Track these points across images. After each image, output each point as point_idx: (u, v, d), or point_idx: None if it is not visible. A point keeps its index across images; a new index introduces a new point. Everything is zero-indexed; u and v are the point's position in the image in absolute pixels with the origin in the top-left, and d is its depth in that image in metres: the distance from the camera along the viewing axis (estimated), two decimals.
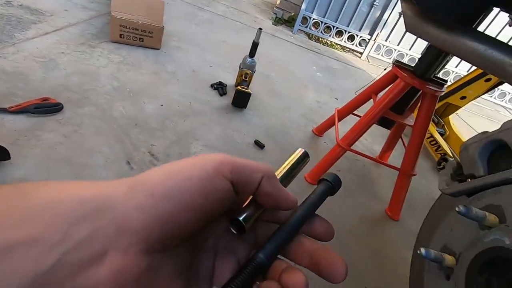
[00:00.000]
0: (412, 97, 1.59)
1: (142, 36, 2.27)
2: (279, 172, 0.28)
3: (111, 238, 0.19)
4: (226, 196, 0.23)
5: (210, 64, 2.53)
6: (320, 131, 2.18)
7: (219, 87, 2.22)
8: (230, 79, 2.39)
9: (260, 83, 2.53)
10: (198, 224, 0.22)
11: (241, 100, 2.06)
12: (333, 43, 4.51)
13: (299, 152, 0.31)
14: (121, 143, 1.47)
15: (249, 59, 2.16)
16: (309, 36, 4.49)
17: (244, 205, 0.26)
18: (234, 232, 0.26)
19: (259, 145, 1.84)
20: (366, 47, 4.44)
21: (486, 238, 0.47)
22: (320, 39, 4.50)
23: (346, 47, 4.59)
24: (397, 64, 1.56)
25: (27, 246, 0.16)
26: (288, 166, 0.29)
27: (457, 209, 0.48)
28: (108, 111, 1.62)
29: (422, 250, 0.52)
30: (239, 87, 2.03)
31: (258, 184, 0.24)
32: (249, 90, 2.04)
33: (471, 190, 0.57)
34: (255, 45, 2.10)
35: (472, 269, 0.48)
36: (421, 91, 1.51)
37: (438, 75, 1.53)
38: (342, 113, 1.96)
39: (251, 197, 0.26)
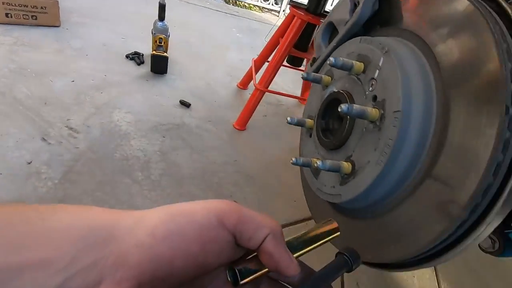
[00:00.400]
0: (311, 33, 1.77)
1: (35, 13, 2.06)
2: (298, 236, 0.27)
3: (109, 268, 0.20)
4: (225, 248, 0.23)
5: (122, 36, 2.42)
6: (244, 84, 2.29)
7: (135, 57, 2.16)
8: (146, 49, 2.32)
9: (180, 49, 2.51)
10: (193, 272, 0.22)
11: (159, 65, 2.04)
12: (251, 5, 4.56)
13: (329, 223, 0.28)
14: (32, 122, 1.40)
15: (159, 23, 2.12)
16: (226, 0, 4.46)
17: (248, 257, 0.25)
18: (229, 280, 0.25)
19: (184, 104, 1.88)
20: (281, 4, 4.59)
21: (325, 94, 0.64)
22: (237, 2, 4.50)
23: (264, 8, 4.69)
24: (293, 4, 1.70)
25: (37, 268, 0.18)
26: (309, 234, 0.27)
27: (301, 76, 0.62)
28: (9, 94, 1.50)
29: (288, 119, 0.67)
30: (154, 52, 2.01)
31: (262, 241, 0.23)
32: (165, 54, 2.03)
33: (318, 67, 0.73)
34: (162, 7, 2.06)
35: (318, 118, 0.65)
36: (317, 25, 1.68)
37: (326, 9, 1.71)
38: (259, 62, 2.08)
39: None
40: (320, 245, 0.28)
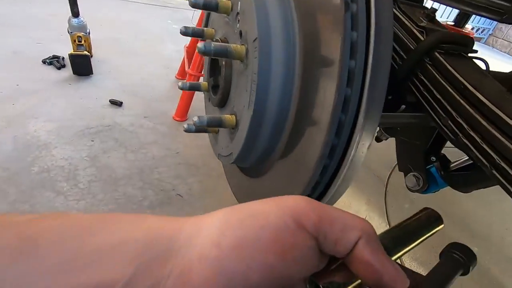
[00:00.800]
0: None
1: None
2: (389, 233, 0.21)
3: None
4: (307, 255, 0.18)
5: (37, 41, 2.18)
6: (181, 74, 2.18)
7: (54, 61, 1.95)
8: (67, 51, 2.11)
9: (108, 47, 2.32)
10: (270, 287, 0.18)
11: (81, 66, 1.86)
12: None
13: (427, 213, 0.22)
14: None
15: (74, 20, 1.92)
16: None
17: (332, 267, 0.20)
18: None
19: (115, 103, 1.74)
20: None
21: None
22: None
23: None
24: None
25: None
26: (405, 229, 0.21)
27: (180, 31, 0.54)
28: None
29: (180, 84, 0.59)
30: (71, 52, 1.82)
31: (353, 246, 0.19)
32: (85, 53, 1.85)
33: (205, 22, 0.67)
34: (72, 1, 1.86)
35: (208, 77, 0.59)
36: None
37: None
38: (191, 48, 1.98)
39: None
40: (421, 242, 0.22)
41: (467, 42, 0.53)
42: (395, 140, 0.86)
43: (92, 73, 1.94)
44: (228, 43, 0.48)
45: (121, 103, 1.75)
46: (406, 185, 0.80)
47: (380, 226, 1.41)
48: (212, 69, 0.57)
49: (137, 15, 3.28)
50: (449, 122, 0.47)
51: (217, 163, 1.50)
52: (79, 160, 1.34)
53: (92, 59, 1.99)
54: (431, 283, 0.20)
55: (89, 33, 2.02)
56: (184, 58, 1.94)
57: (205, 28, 0.57)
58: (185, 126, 0.54)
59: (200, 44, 0.40)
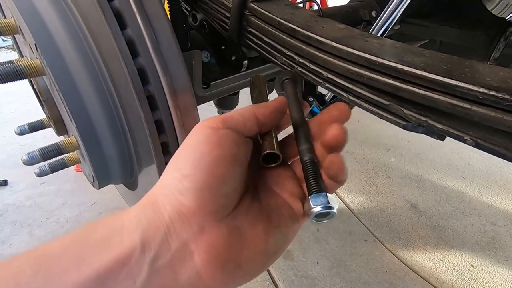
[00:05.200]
0: None
1: None
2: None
3: (183, 232, 0.21)
4: (235, 139, 0.24)
5: None
6: None
7: None
8: None
9: None
10: (234, 172, 0.23)
11: None
12: None
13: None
14: None
15: None
16: (14, 48, 3.70)
17: (263, 143, 0.27)
18: (271, 165, 0.28)
19: None
20: None
21: None
22: None
23: None
24: None
25: (122, 265, 0.20)
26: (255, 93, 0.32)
27: None
28: None
29: (16, 130, 0.51)
30: None
31: (256, 119, 0.26)
32: None
33: None
34: None
35: None
36: None
37: None
38: None
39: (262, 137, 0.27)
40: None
41: None
42: None
43: None
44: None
45: (5, 181, 1.49)
46: None
47: None
48: (38, 98, 0.51)
49: None
50: (284, 58, 0.51)
51: None
52: None
53: None
54: (292, 103, 0.31)
55: None
56: None
57: (15, 59, 0.49)
58: (36, 171, 0.47)
59: None
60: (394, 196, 1.40)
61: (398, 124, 0.39)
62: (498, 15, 1.46)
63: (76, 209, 1.34)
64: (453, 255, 1.15)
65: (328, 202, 0.23)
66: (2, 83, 0.34)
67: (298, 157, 0.27)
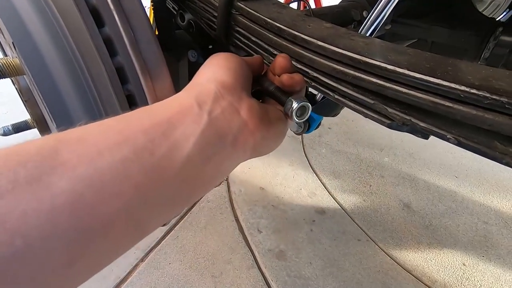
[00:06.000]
0: None
1: None
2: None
3: (228, 97, 0.28)
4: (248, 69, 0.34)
5: None
6: None
7: None
8: None
9: None
10: (247, 77, 0.33)
11: None
12: None
13: None
14: None
15: None
16: None
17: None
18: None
19: None
20: None
21: None
22: None
23: None
24: None
25: (185, 115, 0.25)
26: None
27: None
28: None
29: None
30: None
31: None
32: None
33: None
34: None
35: None
36: None
37: None
38: None
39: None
40: None
41: None
42: None
43: None
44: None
45: None
46: (293, 131, 0.84)
47: (308, 178, 1.51)
48: (21, 98, 0.50)
49: None
50: (271, 58, 0.50)
51: None
52: None
53: None
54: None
55: None
56: None
57: None
58: None
59: None
60: (387, 196, 1.41)
61: (383, 123, 0.39)
62: (489, 16, 1.47)
63: None
64: (445, 254, 1.16)
65: (302, 99, 0.32)
66: None
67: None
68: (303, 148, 1.74)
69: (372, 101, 0.39)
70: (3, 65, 0.34)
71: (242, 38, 0.54)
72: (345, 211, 1.33)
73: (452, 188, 1.46)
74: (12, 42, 0.32)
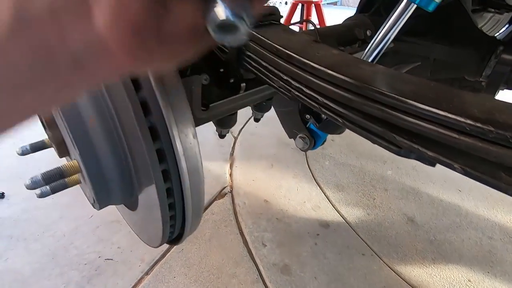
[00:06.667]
0: None
1: None
2: None
3: None
4: None
5: None
6: None
7: None
8: None
9: None
10: None
11: None
12: None
13: None
14: None
15: None
16: None
17: None
18: None
19: None
20: None
21: None
22: None
23: None
24: None
25: None
26: None
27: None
28: None
29: (18, 151, 0.52)
30: None
31: None
32: None
33: None
34: None
35: None
36: None
37: None
38: None
39: None
40: None
41: (273, 11, 0.59)
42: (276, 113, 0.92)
43: None
44: None
45: (2, 193, 1.48)
46: (299, 148, 0.86)
47: (312, 191, 1.52)
48: (41, 120, 0.52)
49: None
50: (280, 82, 0.52)
51: None
52: None
53: None
54: None
55: None
56: None
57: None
58: (37, 192, 0.48)
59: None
60: (391, 210, 1.41)
61: (391, 150, 0.41)
62: (489, 32, 1.50)
63: (73, 223, 1.33)
64: (450, 269, 1.15)
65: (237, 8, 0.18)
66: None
67: None
68: (307, 161, 1.75)
69: (380, 129, 0.41)
70: None
71: (252, 63, 0.56)
72: (349, 225, 1.33)
73: (456, 202, 1.46)
74: None
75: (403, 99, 0.37)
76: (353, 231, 1.30)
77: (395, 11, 0.63)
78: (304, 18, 2.69)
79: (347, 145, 1.88)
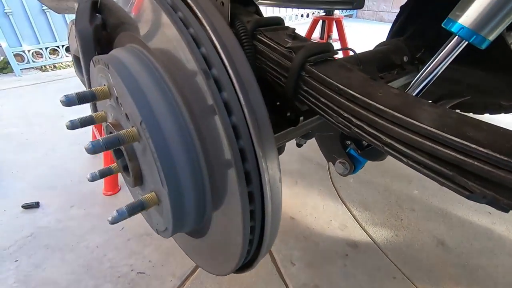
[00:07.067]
0: None
1: None
2: None
3: None
4: None
5: None
6: None
7: None
8: None
9: (0, 147, 2.03)
10: None
11: None
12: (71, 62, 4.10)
13: None
14: None
15: None
16: (42, 68, 3.90)
17: None
18: None
19: (30, 206, 1.52)
20: None
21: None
22: (56, 65, 3.99)
23: None
24: None
25: None
26: None
27: (66, 127, 0.51)
28: None
29: (89, 177, 0.55)
30: None
31: None
32: None
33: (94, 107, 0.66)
34: None
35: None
36: None
37: None
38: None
39: None
40: None
41: (328, 48, 0.62)
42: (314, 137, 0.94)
43: None
44: (121, 126, 0.47)
45: (38, 203, 1.54)
46: (338, 173, 0.87)
47: (338, 209, 1.51)
48: (115, 150, 0.55)
49: (21, 101, 2.95)
50: (340, 119, 0.54)
51: None
52: None
53: None
54: None
55: None
56: (92, 128, 1.81)
57: (94, 114, 0.55)
58: (109, 219, 0.51)
59: (87, 145, 0.38)
60: (420, 231, 1.39)
61: (461, 194, 0.42)
62: None
63: (105, 235, 1.37)
64: None
65: None
66: (106, 150, 0.39)
67: None
68: (331, 178, 1.75)
69: (450, 173, 0.42)
70: (124, 135, 0.40)
71: (310, 98, 0.59)
72: (377, 246, 1.32)
73: (487, 226, 1.43)
74: (140, 121, 0.37)
75: (478, 148, 0.38)
76: (382, 253, 1.29)
77: (445, 47, 0.65)
78: (325, 33, 2.72)
79: (371, 162, 1.87)
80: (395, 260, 1.25)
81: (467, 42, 0.61)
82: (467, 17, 0.56)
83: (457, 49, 0.64)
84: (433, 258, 1.27)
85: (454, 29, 0.58)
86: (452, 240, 1.35)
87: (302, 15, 6.34)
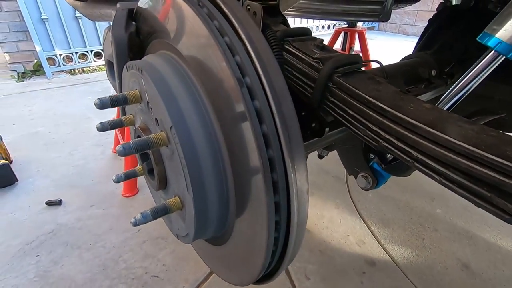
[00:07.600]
0: None
1: None
2: None
3: None
4: None
5: None
6: None
7: None
8: None
9: (28, 145, 2.13)
10: None
11: (1, 177, 1.66)
12: (99, 66, 4.29)
13: None
14: None
15: None
16: (71, 72, 4.09)
17: None
18: None
19: (53, 203, 1.57)
20: None
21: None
22: (84, 69, 4.17)
23: None
24: None
25: None
26: None
27: (97, 128, 0.52)
28: None
29: (114, 179, 0.57)
30: None
31: None
32: (1, 162, 1.67)
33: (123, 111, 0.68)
34: None
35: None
36: None
37: None
38: None
39: None
40: None
41: (356, 60, 0.61)
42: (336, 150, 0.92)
43: (17, 180, 1.74)
44: (149, 130, 0.48)
45: (60, 200, 1.59)
46: (360, 187, 0.85)
47: (355, 224, 1.47)
48: (141, 154, 0.57)
49: (50, 102, 3.10)
50: (367, 131, 0.53)
51: None
52: (28, 285, 1.16)
53: (12, 165, 1.80)
54: None
55: (1, 138, 1.84)
56: (116, 131, 1.86)
57: (123, 117, 0.56)
58: (132, 220, 0.51)
59: (119, 147, 0.39)
60: (443, 252, 1.33)
61: (500, 217, 0.39)
62: None
63: (122, 236, 1.39)
64: None
65: None
66: (136, 153, 0.40)
67: None
68: (349, 191, 1.71)
69: (488, 194, 0.40)
70: (154, 139, 0.40)
71: (336, 109, 0.58)
72: (397, 265, 1.27)
73: None
74: (171, 126, 0.38)
75: None
76: (402, 273, 1.23)
77: (480, 62, 0.62)
78: (347, 45, 2.71)
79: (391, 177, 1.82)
80: (416, 282, 1.19)
81: (504, 57, 0.59)
82: (506, 31, 0.54)
83: (493, 64, 0.61)
84: (457, 282, 1.20)
85: (490, 43, 0.56)
86: (478, 264, 1.27)
87: (323, 27, 6.35)
